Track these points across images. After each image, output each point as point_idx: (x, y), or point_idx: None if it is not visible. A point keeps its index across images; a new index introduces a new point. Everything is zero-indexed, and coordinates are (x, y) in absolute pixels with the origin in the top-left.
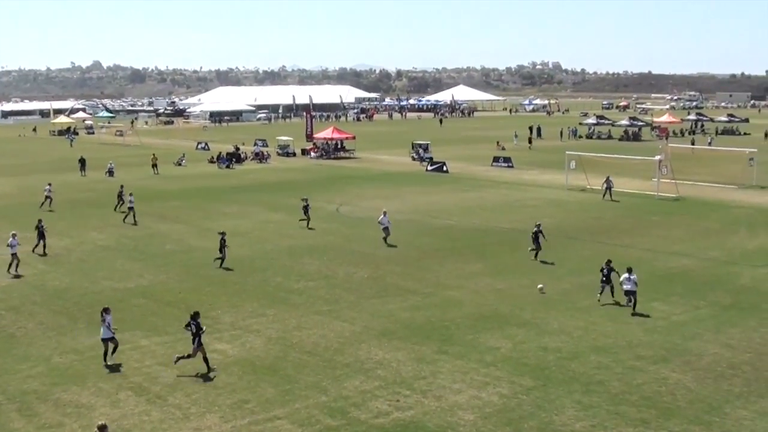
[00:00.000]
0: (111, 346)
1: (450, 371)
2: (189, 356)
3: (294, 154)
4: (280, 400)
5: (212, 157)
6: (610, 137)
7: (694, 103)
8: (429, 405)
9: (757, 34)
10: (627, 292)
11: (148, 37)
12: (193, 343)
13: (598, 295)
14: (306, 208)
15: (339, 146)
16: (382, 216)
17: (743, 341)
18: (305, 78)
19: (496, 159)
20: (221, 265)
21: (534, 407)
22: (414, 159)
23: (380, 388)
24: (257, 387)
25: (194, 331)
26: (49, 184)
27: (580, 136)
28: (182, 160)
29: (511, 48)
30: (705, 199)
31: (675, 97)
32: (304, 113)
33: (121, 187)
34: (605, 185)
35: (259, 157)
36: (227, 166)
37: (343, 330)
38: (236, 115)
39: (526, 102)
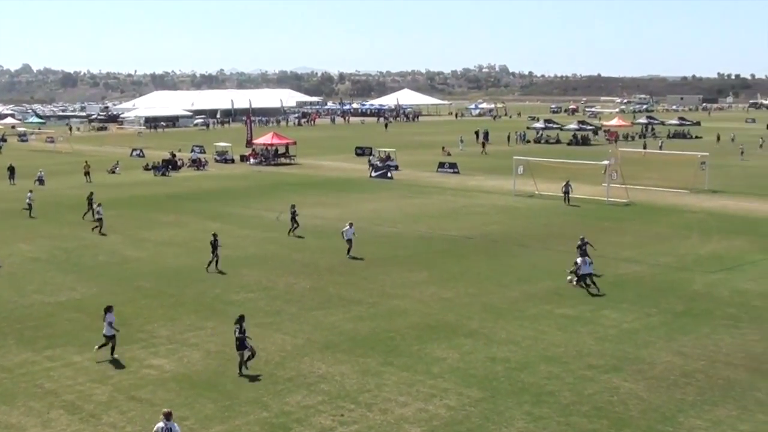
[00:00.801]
0: (110, 345)
1: (395, 383)
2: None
3: (233, 161)
4: (220, 416)
5: (147, 165)
6: (558, 141)
7: (645, 106)
8: (374, 419)
9: (708, 36)
10: (584, 276)
11: (80, 39)
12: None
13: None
14: (294, 215)
15: (280, 152)
16: (347, 227)
17: (696, 349)
18: (244, 82)
19: (441, 164)
20: (216, 266)
21: (482, 419)
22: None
23: (324, 403)
24: (195, 403)
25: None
26: None
27: (528, 141)
28: (116, 168)
29: (457, 51)
30: (656, 204)
31: (625, 100)
32: (244, 118)
33: (91, 194)
34: (564, 189)
35: (197, 164)
36: (163, 174)
37: (284, 343)
38: (172, 121)
39: (473, 106)
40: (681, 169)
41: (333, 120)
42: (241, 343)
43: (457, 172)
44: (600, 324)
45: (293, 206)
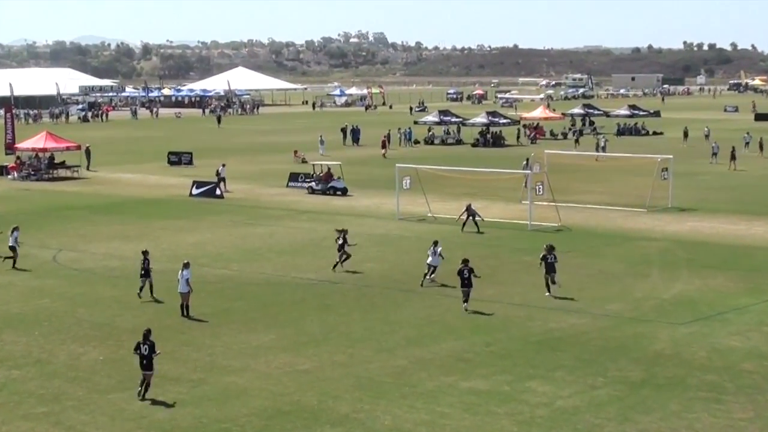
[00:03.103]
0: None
1: None
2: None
3: None
4: None
5: None
6: (459, 141)
7: (581, 91)
8: None
9: None
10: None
11: None
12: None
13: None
14: (342, 246)
15: (57, 161)
16: (183, 270)
17: None
18: (1, 58)
19: (294, 176)
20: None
21: None
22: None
23: None
24: None
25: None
26: None
27: (417, 141)
28: None
29: (312, 13)
30: (600, 228)
31: (552, 83)
32: (2, 111)
33: None
34: (467, 213)
35: None
36: None
37: None
38: None
39: (337, 92)
40: (634, 179)
41: (135, 113)
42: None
43: None
44: (524, 401)
45: (343, 231)
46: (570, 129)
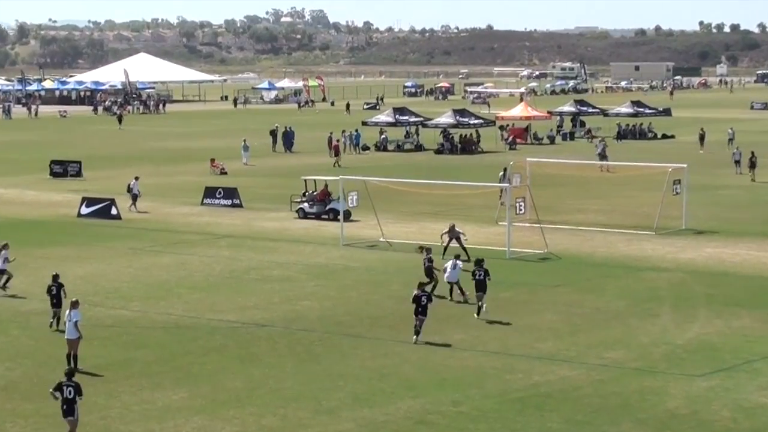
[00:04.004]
0: None
1: None
2: None
3: None
4: None
5: None
6: (420, 147)
7: (571, 83)
8: None
9: None
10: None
11: None
12: None
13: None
14: (431, 269)
15: None
16: (70, 311)
17: None
18: None
19: (210, 192)
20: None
21: None
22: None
23: None
24: None
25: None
26: None
27: (366, 147)
28: None
29: None
30: (597, 256)
31: (536, 73)
32: None
33: None
34: (448, 238)
35: None
36: None
37: None
38: None
39: (264, 85)
40: (639, 195)
41: (8, 111)
42: None
43: (239, 205)
44: None
45: (426, 249)
46: (558, 130)
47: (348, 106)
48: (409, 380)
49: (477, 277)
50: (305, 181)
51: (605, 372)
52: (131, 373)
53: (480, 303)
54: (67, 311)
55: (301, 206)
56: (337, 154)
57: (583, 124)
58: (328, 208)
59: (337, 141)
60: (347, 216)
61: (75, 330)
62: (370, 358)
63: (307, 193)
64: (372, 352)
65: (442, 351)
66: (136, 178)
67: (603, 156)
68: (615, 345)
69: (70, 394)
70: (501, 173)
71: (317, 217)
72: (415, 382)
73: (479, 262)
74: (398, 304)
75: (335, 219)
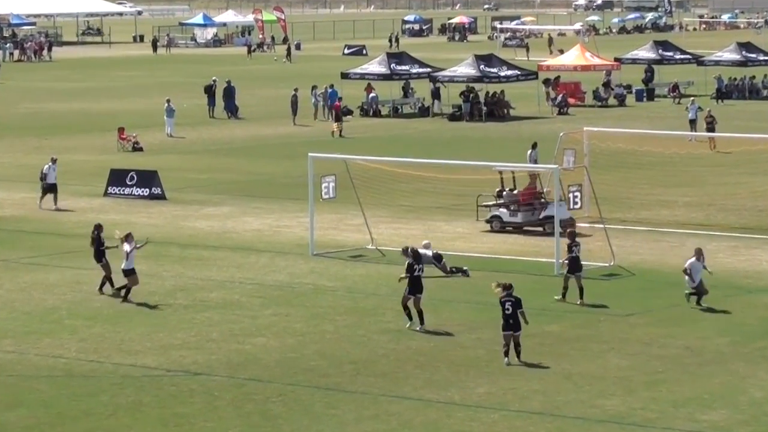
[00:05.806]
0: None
1: None
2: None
3: None
4: None
5: None
6: (426, 111)
7: (650, 17)
8: None
9: None
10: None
11: None
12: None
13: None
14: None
15: None
16: None
17: None
18: None
19: (118, 176)
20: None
21: None
22: None
23: None
24: None
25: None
26: None
27: (349, 111)
28: None
29: None
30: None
31: (598, 1)
32: None
33: None
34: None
35: None
36: None
37: None
38: None
39: (198, 19)
40: (751, 180)
41: None
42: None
43: (161, 196)
44: None
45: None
46: (629, 87)
47: (290, 49)
48: None
49: (506, 310)
50: (500, 172)
51: None
52: None
53: (508, 347)
54: None
55: (497, 213)
56: (338, 119)
57: (669, 83)
58: (543, 215)
59: (339, 100)
60: (568, 223)
61: None
62: (353, 421)
63: (504, 191)
64: (356, 413)
65: (460, 411)
66: (54, 160)
67: (693, 123)
68: (714, 402)
69: None
70: (530, 151)
71: (518, 229)
72: None
73: (507, 288)
74: (394, 341)
75: (551, 233)
